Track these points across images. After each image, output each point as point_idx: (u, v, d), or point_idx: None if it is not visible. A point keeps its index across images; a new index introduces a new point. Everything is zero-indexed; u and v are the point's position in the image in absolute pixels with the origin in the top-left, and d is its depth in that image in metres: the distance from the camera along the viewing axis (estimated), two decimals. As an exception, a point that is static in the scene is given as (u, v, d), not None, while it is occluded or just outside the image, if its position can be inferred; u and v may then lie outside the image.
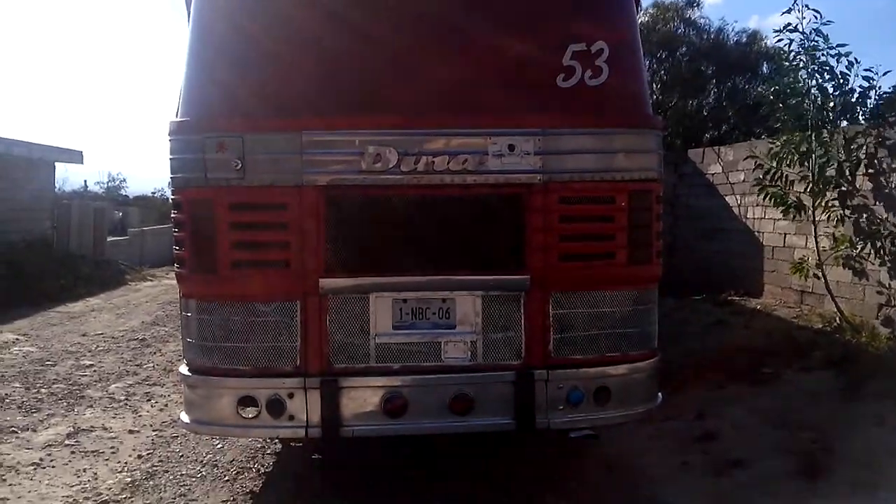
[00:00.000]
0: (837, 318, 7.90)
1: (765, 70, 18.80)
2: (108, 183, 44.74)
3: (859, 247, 7.74)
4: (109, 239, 24.03)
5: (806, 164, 8.07)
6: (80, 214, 20.30)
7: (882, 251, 7.44)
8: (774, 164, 8.38)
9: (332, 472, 5.12)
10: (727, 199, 10.85)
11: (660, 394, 4.78)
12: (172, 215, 4.37)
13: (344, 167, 4.17)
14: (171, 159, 4.31)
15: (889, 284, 7.47)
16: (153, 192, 42.71)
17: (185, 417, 4.44)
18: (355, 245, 4.26)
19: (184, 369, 4.41)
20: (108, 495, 4.73)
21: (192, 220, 4.23)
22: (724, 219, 10.83)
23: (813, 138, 7.95)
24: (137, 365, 8.59)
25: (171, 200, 4.38)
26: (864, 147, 7.72)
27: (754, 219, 10.10)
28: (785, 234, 9.35)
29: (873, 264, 7.66)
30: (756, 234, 10.01)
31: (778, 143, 8.34)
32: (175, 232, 4.36)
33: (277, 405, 4.16)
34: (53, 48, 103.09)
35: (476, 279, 4.27)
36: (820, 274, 8.05)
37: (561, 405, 4.30)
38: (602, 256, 4.34)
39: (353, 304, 4.23)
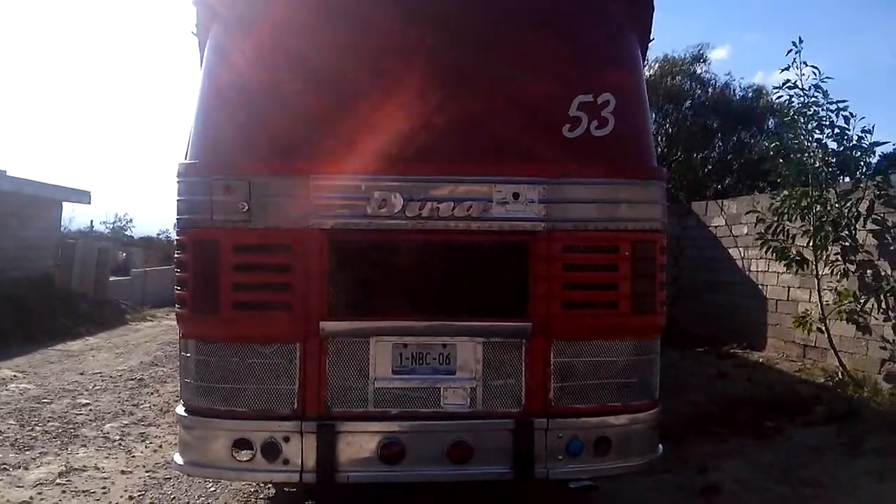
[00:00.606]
0: (840, 373, 7.85)
1: (770, 125, 19.10)
2: (114, 223, 44.96)
3: (863, 301, 7.71)
4: (112, 278, 24.06)
5: (807, 218, 8.10)
6: (84, 254, 20.36)
7: (886, 307, 7.41)
8: (776, 219, 8.40)
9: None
10: (730, 251, 10.87)
11: (661, 445, 4.72)
12: (176, 256, 4.37)
13: (349, 211, 4.18)
14: (178, 200, 4.33)
15: (893, 340, 7.43)
16: (158, 234, 42.95)
17: (178, 459, 4.37)
18: (358, 289, 4.26)
19: (180, 410, 4.37)
20: (98, 539, 4.65)
21: (196, 261, 4.23)
22: (728, 271, 10.84)
23: (812, 193, 8.00)
24: (134, 405, 8.51)
25: (175, 241, 4.39)
26: (863, 201, 7.75)
27: (758, 271, 10.10)
28: (788, 287, 9.34)
29: (877, 319, 7.64)
30: (759, 286, 10.01)
31: (779, 198, 8.38)
32: (178, 272, 4.35)
33: (272, 448, 4.10)
34: (63, 89, 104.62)
35: (477, 325, 4.24)
36: (823, 328, 8.01)
37: (560, 455, 4.24)
38: (605, 306, 4.32)
39: (353, 347, 4.20)
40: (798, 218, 8.16)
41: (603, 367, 4.33)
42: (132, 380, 10.08)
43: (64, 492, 5.50)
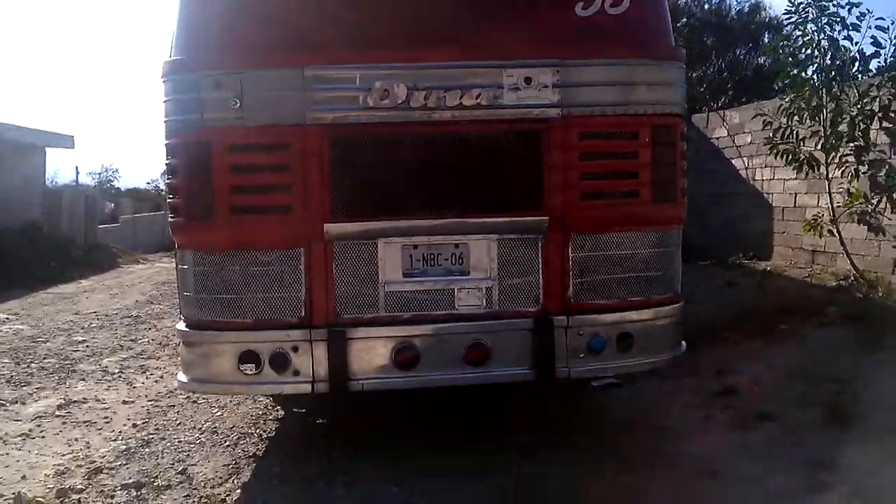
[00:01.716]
0: (852, 275, 7.68)
1: (766, 41, 18.69)
2: (100, 174, 44.43)
3: (875, 201, 7.51)
4: (101, 227, 23.78)
5: (817, 118, 7.83)
6: (72, 200, 20.07)
7: (899, 204, 7.20)
8: (785, 120, 8.13)
9: (339, 435, 4.83)
10: (733, 162, 10.62)
11: (683, 342, 4.57)
12: (166, 162, 4.11)
13: (350, 104, 3.90)
14: (164, 101, 4.07)
15: (907, 238, 7.25)
16: (148, 183, 42.53)
17: (182, 377, 4.20)
18: (362, 188, 4.00)
19: (181, 326, 4.18)
20: (101, 463, 4.48)
21: (187, 165, 3.97)
22: (731, 182, 10.61)
23: (824, 92, 7.73)
24: (132, 340, 8.33)
25: (165, 146, 4.10)
26: (878, 99, 7.47)
27: (762, 180, 9.87)
28: (795, 194, 9.13)
29: (890, 219, 7.44)
30: (765, 195, 9.79)
31: (788, 99, 8.10)
32: (169, 179, 4.11)
33: (281, 359, 3.92)
34: (46, 36, 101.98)
35: (491, 222, 4.02)
36: (834, 230, 7.81)
37: (582, 353, 4.07)
38: (625, 195, 4.10)
39: (360, 250, 3.98)
40: (808, 119, 7.89)
41: (623, 261, 4.13)
42: (128, 317, 9.89)
43: (64, 423, 5.33)
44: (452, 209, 4.00)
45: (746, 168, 10.27)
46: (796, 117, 8.02)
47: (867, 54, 7.70)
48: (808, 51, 7.84)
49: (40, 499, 3.84)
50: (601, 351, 4.09)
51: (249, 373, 3.94)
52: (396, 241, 3.99)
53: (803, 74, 8.00)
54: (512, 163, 4.05)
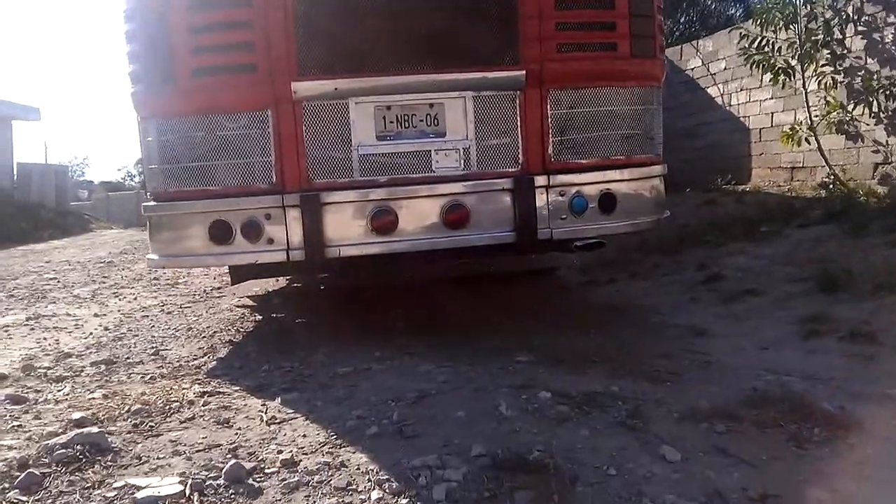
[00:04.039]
0: (831, 183, 7.63)
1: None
2: (70, 163, 43.88)
3: (852, 108, 7.45)
4: (73, 204, 23.37)
5: (793, 27, 7.75)
6: (42, 174, 19.69)
7: (878, 109, 7.14)
8: (760, 30, 8.03)
9: (320, 332, 4.66)
10: (708, 90, 10.51)
11: (667, 210, 4.48)
12: (125, 31, 3.91)
13: None
14: (123, -34, 3.87)
15: (886, 141, 7.19)
16: (119, 170, 42.14)
17: (152, 255, 4.05)
18: (329, 43, 3.82)
19: (148, 203, 4.02)
20: (71, 351, 4.32)
21: (145, 28, 3.80)
22: (706, 111, 10.50)
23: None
24: (105, 277, 8.12)
25: (124, 14, 3.91)
26: (852, 3, 7.40)
27: (738, 104, 9.77)
28: (772, 113, 9.04)
29: (868, 125, 7.38)
30: (741, 119, 9.70)
31: (764, 8, 8.01)
32: (128, 47, 3.91)
33: (254, 227, 3.77)
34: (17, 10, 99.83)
35: (466, 77, 3.86)
36: (813, 138, 7.73)
37: (564, 214, 3.95)
38: (602, 48, 3.97)
39: (330, 111, 3.82)
40: (783, 29, 7.80)
41: (603, 118, 4.01)
42: (101, 263, 9.65)
43: (33, 329, 5.15)
44: (426, 64, 3.85)
45: (722, 94, 10.16)
46: (771, 27, 7.92)
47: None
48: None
49: (4, 373, 3.67)
50: (583, 212, 3.97)
51: (221, 243, 3.79)
52: (368, 101, 3.84)
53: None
54: (486, 13, 3.91)
